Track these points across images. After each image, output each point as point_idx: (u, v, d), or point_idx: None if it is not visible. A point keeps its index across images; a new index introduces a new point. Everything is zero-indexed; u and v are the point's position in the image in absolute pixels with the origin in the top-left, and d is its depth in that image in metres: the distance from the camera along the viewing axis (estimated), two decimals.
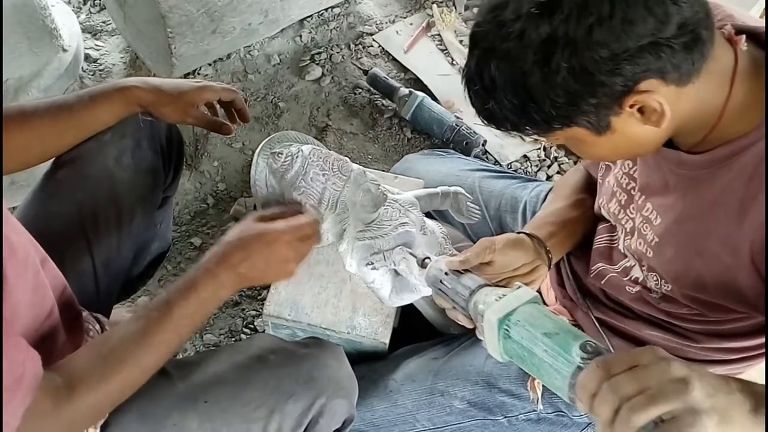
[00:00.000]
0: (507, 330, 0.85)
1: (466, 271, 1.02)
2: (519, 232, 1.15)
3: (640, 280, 1.08)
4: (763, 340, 1.02)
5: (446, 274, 1.02)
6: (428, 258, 1.13)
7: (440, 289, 1.02)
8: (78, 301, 1.07)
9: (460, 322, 1.00)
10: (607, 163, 1.13)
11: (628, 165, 1.06)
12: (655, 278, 1.03)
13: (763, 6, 1.92)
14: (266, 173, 1.22)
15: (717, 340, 1.05)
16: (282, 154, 1.22)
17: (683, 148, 0.93)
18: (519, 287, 0.90)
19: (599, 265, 1.16)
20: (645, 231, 1.02)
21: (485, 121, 0.91)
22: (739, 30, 0.88)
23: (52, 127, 1.10)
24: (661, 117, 0.83)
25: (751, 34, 0.89)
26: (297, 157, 1.22)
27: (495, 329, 0.85)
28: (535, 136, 0.92)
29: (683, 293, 0.99)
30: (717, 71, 0.85)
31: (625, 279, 1.11)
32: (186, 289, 0.94)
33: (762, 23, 0.91)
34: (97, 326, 1.11)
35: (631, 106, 0.82)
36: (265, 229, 0.99)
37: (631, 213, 1.05)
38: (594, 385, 0.71)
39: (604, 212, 1.15)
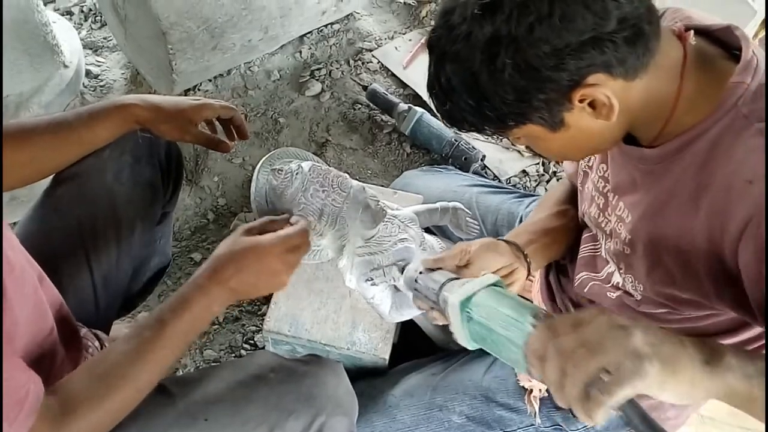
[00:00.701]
0: (469, 312, 0.87)
1: (440, 269, 1.04)
2: (498, 239, 1.17)
3: (620, 284, 1.08)
4: (746, 336, 1.02)
5: (420, 273, 1.04)
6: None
7: (416, 289, 1.04)
8: (77, 318, 1.07)
9: (437, 322, 1.02)
10: (584, 169, 1.15)
11: (603, 168, 1.08)
12: (631, 280, 1.04)
13: (762, 17, 1.94)
14: (266, 189, 1.23)
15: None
16: (282, 170, 1.23)
17: (644, 143, 0.95)
18: (483, 275, 0.92)
19: (583, 274, 1.17)
20: (619, 230, 1.03)
21: (448, 124, 0.95)
22: (689, 27, 0.91)
23: (52, 144, 1.11)
24: (610, 110, 0.85)
25: (703, 32, 0.91)
26: (297, 173, 1.22)
27: (458, 312, 0.88)
28: (496, 135, 0.96)
29: (655, 290, 0.99)
30: (666, 65, 0.87)
31: (606, 285, 1.11)
32: (178, 306, 0.94)
33: (715, 21, 0.93)
34: (97, 343, 1.11)
35: (581, 101, 0.84)
36: (255, 242, 0.99)
37: (609, 215, 1.07)
38: (541, 346, 0.72)
39: (586, 219, 1.16)
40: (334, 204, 1.23)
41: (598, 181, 1.09)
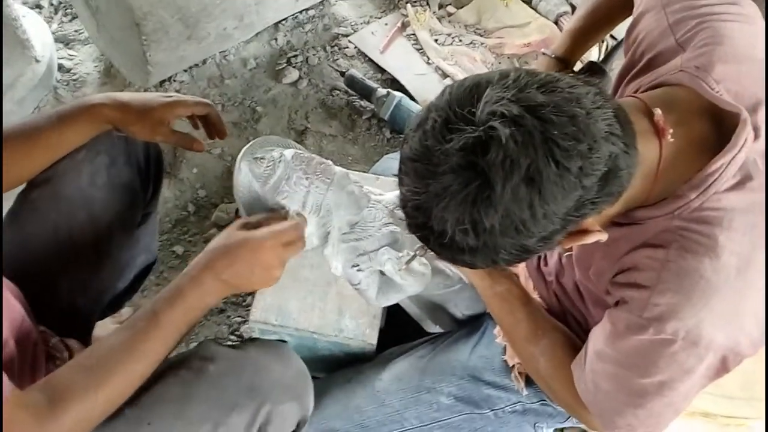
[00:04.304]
0: None
1: None
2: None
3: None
4: None
5: None
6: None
7: None
8: (57, 325, 1.04)
9: None
10: None
11: None
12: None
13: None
14: (249, 179, 1.22)
15: None
16: (264, 159, 1.22)
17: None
18: None
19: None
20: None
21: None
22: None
23: (24, 152, 1.07)
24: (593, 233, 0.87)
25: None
26: (279, 161, 1.21)
27: None
28: None
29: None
30: (642, 171, 0.86)
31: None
32: (171, 297, 0.94)
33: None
34: (66, 354, 1.09)
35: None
36: (249, 236, 0.98)
37: None
38: None
39: None
40: (317, 191, 1.22)
41: None
